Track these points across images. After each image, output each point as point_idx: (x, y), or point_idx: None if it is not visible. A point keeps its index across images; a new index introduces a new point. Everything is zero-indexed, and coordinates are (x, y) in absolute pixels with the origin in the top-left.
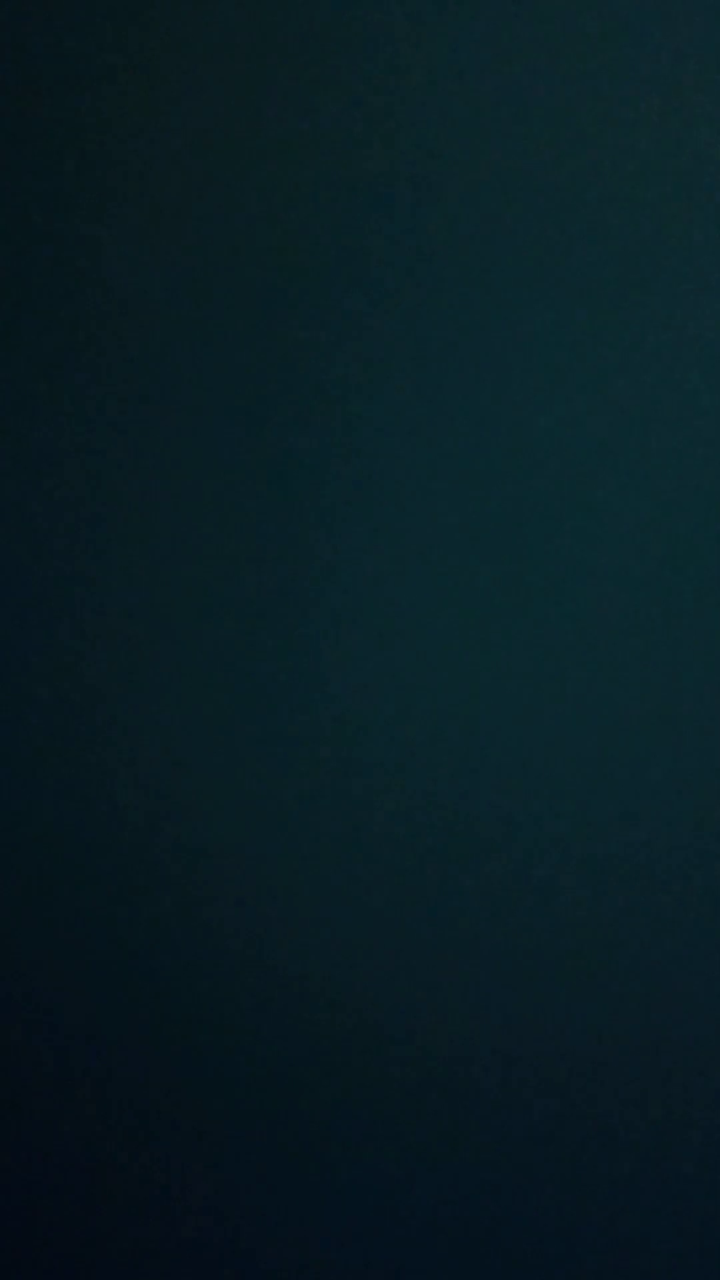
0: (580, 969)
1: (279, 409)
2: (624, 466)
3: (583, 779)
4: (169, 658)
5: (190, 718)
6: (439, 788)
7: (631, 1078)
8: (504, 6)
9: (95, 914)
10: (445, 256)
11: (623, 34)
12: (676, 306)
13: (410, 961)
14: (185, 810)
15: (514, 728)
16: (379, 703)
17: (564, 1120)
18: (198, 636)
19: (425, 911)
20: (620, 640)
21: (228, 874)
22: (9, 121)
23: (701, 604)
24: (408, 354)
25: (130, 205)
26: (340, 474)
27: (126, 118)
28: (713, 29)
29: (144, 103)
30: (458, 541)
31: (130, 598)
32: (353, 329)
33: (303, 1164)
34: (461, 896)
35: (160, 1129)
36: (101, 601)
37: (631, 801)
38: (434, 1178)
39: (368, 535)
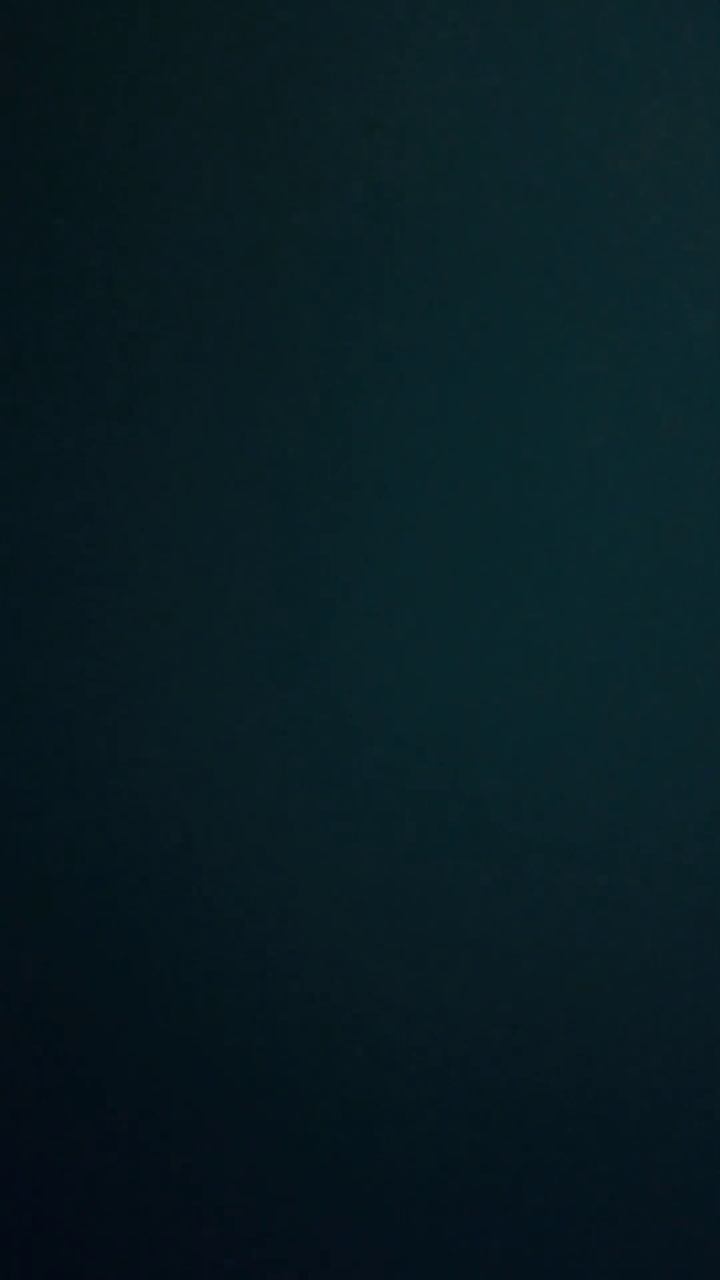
0: (581, 967)
1: (279, 410)
2: (622, 465)
3: (583, 781)
4: (169, 657)
5: (190, 716)
6: (439, 784)
7: (632, 1074)
8: (506, 10)
9: (95, 913)
10: (446, 256)
11: (624, 41)
12: (676, 309)
13: (410, 959)
14: (185, 809)
15: (514, 727)
16: (379, 699)
17: (564, 1118)
18: (198, 634)
19: (425, 910)
20: (619, 641)
21: (227, 872)
22: (9, 122)
23: (701, 601)
24: (408, 354)
25: (131, 206)
26: (340, 471)
27: (126, 119)
28: (713, 30)
29: (144, 104)
30: (457, 543)
31: (130, 597)
32: (353, 330)
33: (302, 1164)
34: (461, 895)
35: (160, 1127)
36: (102, 602)
37: (632, 802)
38: (433, 1176)
39: (368, 532)
